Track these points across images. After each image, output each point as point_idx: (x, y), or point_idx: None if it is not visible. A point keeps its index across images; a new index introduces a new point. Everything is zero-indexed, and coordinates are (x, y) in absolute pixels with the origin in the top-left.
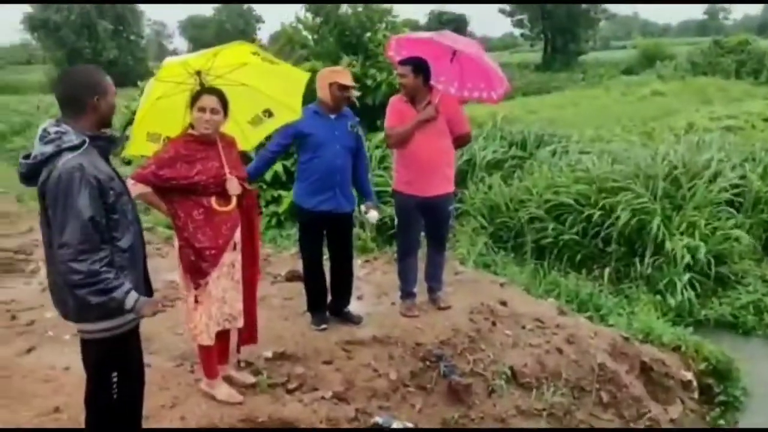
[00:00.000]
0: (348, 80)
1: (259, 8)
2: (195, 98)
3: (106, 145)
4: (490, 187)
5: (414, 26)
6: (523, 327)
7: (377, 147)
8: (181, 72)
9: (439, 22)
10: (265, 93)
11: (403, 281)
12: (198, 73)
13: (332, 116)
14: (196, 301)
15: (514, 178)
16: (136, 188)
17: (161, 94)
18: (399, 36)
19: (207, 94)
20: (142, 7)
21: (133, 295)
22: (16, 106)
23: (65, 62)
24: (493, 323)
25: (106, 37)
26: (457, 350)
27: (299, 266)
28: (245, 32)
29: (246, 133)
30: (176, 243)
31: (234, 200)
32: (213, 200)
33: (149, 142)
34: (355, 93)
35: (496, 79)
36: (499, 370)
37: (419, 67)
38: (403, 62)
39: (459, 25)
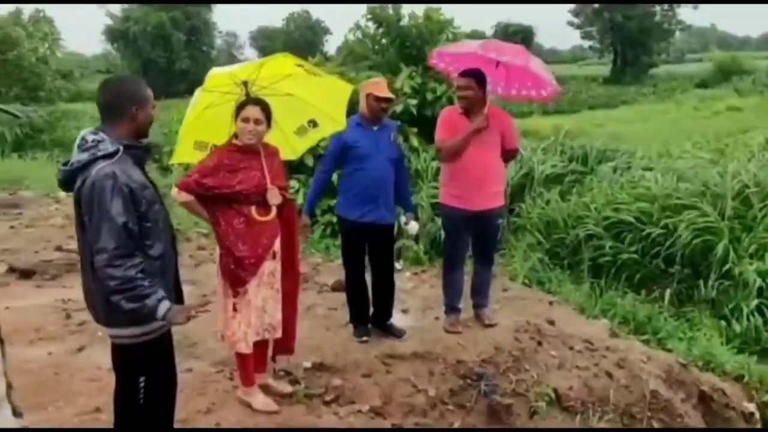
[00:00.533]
0: (383, 92)
1: (327, 20)
2: (239, 108)
3: (142, 153)
4: (547, 202)
5: (479, 38)
6: (571, 348)
7: (435, 159)
8: (228, 82)
9: (505, 34)
10: (310, 103)
11: (447, 296)
12: (245, 83)
13: (375, 128)
14: (234, 309)
15: (572, 194)
16: (180, 196)
17: (208, 104)
18: (440, 48)
19: (251, 105)
20: (214, 18)
21: (165, 303)
22: (93, 112)
23: (141, 71)
24: (539, 343)
25: (179, 48)
26: (500, 369)
27: None
28: (313, 44)
29: (291, 142)
30: (217, 250)
31: (274, 210)
32: (253, 210)
33: (196, 151)
34: (411, 101)
35: (544, 79)
36: (543, 392)
37: (481, 79)
38: (465, 74)
39: (526, 37)
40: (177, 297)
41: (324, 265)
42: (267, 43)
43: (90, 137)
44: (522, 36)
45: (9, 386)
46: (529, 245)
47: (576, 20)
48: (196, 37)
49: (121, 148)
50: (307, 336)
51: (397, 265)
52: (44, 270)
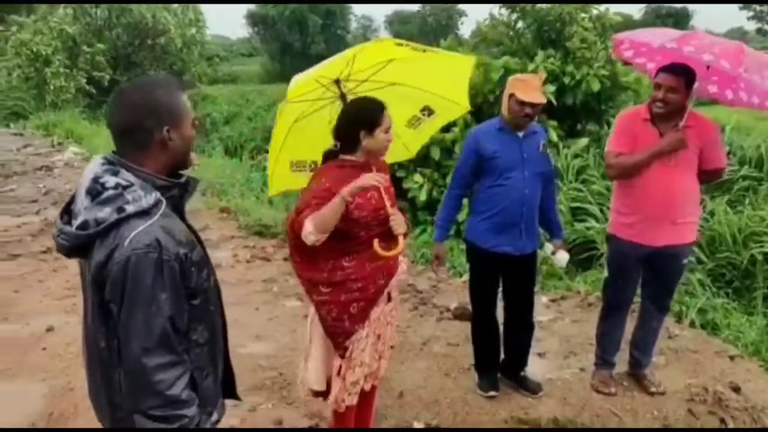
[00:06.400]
0: (528, 95)
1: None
2: (380, 118)
3: (181, 194)
4: (712, 214)
5: (627, 20)
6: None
7: (576, 156)
8: (315, 87)
9: (656, 17)
10: (420, 89)
11: (601, 347)
12: (336, 81)
13: (520, 134)
14: (339, 372)
15: (744, 205)
16: (313, 236)
17: (298, 115)
18: (623, 35)
19: (386, 110)
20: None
21: None
22: (230, 95)
23: (278, 54)
24: (722, 420)
25: (315, 31)
26: None
27: None
28: (448, 27)
29: (404, 138)
30: (315, 297)
31: (401, 242)
32: (376, 243)
33: (295, 173)
34: (549, 87)
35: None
36: None
37: (691, 79)
38: (672, 70)
39: (679, 20)
40: (227, 384)
41: (446, 282)
42: (402, 27)
43: (110, 180)
44: (675, 20)
45: None
46: (687, 263)
47: None
48: (332, 21)
49: (162, 199)
50: (421, 384)
51: None
52: None
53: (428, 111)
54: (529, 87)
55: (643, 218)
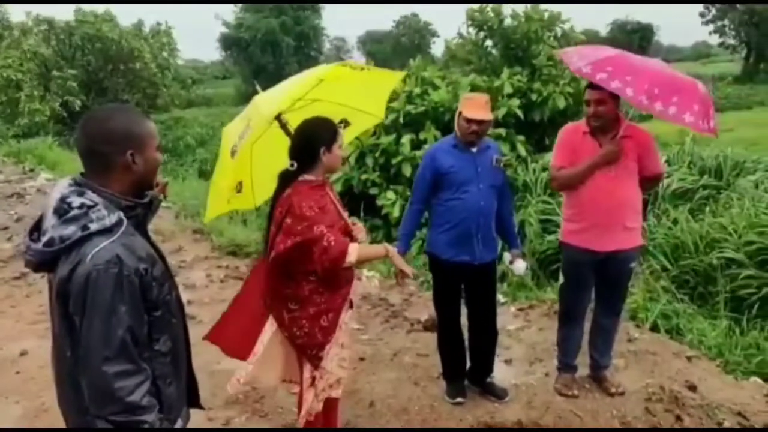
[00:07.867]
0: (472, 112)
1: (436, 22)
2: (337, 135)
3: (144, 213)
4: (674, 222)
5: (593, 37)
6: (720, 424)
7: (544, 170)
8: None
9: (621, 34)
10: (340, 103)
11: (562, 352)
12: (278, 117)
13: (473, 149)
14: (313, 383)
15: (705, 213)
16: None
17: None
18: (566, 58)
19: (341, 129)
20: (323, 23)
21: None
22: (204, 118)
23: (251, 77)
24: (678, 417)
25: (288, 53)
26: None
27: None
28: (420, 47)
29: None
30: (286, 315)
31: None
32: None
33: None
34: (513, 102)
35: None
36: None
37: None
38: (596, 85)
39: (645, 35)
40: (191, 395)
41: (417, 296)
42: (375, 47)
43: (75, 200)
44: (640, 35)
45: None
46: (652, 272)
47: (711, 10)
48: (305, 43)
49: (123, 216)
50: (391, 394)
51: (500, 297)
52: None
53: (345, 123)
54: (475, 105)
55: (591, 225)
